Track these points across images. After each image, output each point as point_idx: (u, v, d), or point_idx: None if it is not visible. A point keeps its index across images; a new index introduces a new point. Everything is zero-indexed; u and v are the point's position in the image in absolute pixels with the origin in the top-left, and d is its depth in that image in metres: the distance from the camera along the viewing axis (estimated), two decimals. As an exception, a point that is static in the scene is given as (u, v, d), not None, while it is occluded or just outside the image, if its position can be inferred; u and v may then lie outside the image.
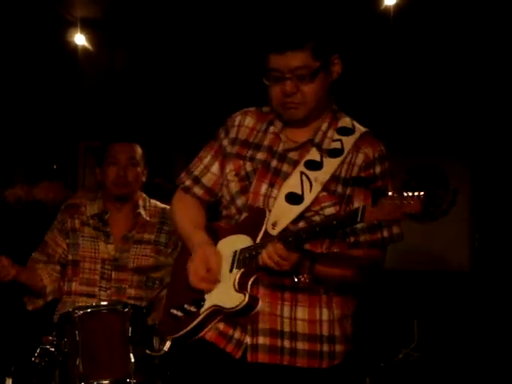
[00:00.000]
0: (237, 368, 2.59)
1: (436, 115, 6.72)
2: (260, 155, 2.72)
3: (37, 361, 3.35)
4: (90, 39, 6.33)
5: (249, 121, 2.80)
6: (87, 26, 6.22)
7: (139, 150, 3.97)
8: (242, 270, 2.54)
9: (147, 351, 3.16)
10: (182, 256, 2.84)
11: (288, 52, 2.56)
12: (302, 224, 2.57)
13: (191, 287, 2.65)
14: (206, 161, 2.85)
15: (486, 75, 6.32)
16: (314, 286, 2.58)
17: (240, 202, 2.70)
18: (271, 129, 2.75)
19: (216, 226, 2.80)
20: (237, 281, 2.53)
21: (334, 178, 2.61)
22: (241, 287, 2.51)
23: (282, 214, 2.57)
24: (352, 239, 2.64)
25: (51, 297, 3.87)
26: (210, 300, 2.60)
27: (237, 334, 2.60)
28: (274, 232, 2.54)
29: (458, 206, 6.85)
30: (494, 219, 6.82)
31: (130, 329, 3.32)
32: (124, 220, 3.95)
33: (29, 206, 5.60)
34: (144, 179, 4.00)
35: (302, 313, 2.61)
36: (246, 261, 2.54)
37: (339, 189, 2.61)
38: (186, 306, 2.65)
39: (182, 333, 2.64)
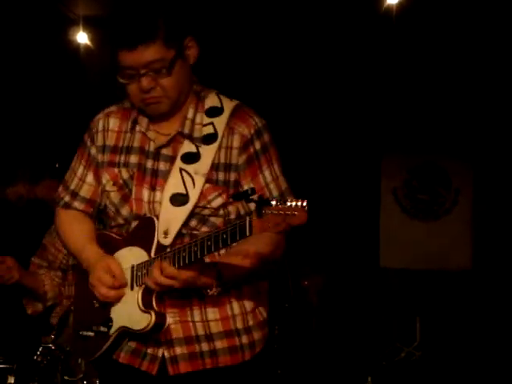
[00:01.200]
0: None
1: (439, 115, 6.72)
2: (133, 158, 2.57)
3: (39, 359, 3.36)
4: (92, 37, 6.32)
5: (113, 123, 2.66)
6: (89, 24, 6.21)
7: None
8: (143, 287, 2.42)
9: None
10: (80, 277, 2.71)
11: (139, 47, 2.40)
12: (194, 222, 2.46)
13: (95, 305, 2.56)
14: (79, 172, 2.71)
15: (489, 76, 6.31)
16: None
17: (125, 211, 2.57)
18: (137, 128, 2.60)
19: (108, 236, 2.65)
20: (140, 300, 2.41)
21: (214, 166, 2.48)
22: (146, 306, 2.41)
23: (171, 220, 2.45)
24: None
25: (51, 302, 3.86)
26: (118, 321, 2.49)
27: (150, 350, 2.49)
28: (167, 241, 2.43)
29: (461, 206, 6.89)
30: (496, 218, 6.82)
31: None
32: None
33: (30, 205, 5.59)
34: None
35: (212, 314, 2.51)
36: (143, 277, 2.41)
37: (221, 176, 2.48)
38: (94, 327, 2.55)
39: (96, 355, 2.54)
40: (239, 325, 2.53)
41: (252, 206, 2.26)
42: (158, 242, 2.44)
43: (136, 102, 2.56)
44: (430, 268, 6.80)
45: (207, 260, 2.41)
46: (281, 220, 2.05)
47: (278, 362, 5.02)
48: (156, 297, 2.42)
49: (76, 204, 2.70)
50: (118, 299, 2.48)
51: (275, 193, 2.52)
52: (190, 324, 2.49)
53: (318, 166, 6.70)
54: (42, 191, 5.82)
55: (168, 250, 2.38)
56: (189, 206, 2.45)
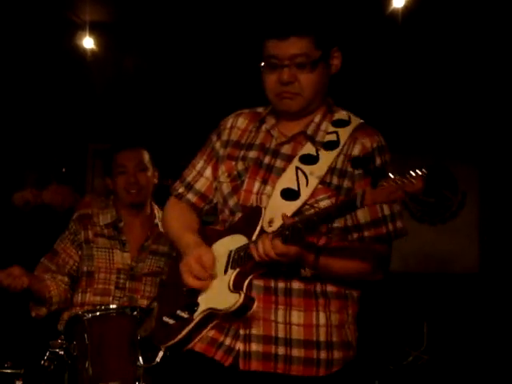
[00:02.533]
0: (228, 376, 2.48)
1: (445, 118, 6.71)
2: (252, 154, 2.61)
3: (46, 364, 3.35)
4: (98, 42, 6.34)
5: (241, 122, 2.70)
6: (96, 30, 6.23)
7: (146, 155, 3.96)
8: (238, 269, 2.43)
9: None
10: (172, 264, 2.76)
11: (290, 38, 2.44)
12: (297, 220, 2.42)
13: (183, 292, 2.57)
14: (199, 166, 2.76)
15: (495, 79, 6.31)
16: (310, 288, 2.48)
17: (232, 202, 2.59)
18: (263, 127, 2.65)
19: (210, 229, 2.71)
20: (232, 281, 2.42)
21: (330, 169, 2.50)
22: (236, 287, 2.40)
23: (278, 211, 2.43)
24: (355, 235, 2.53)
25: (56, 306, 3.86)
26: (204, 303, 2.49)
27: (227, 341, 2.49)
28: (271, 229, 2.42)
29: (467, 209, 6.90)
30: (503, 221, 6.81)
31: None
32: (139, 228, 3.95)
33: (37, 210, 5.60)
34: (156, 181, 4.00)
35: (297, 317, 2.48)
36: (241, 260, 2.42)
37: (334, 180, 2.50)
38: (178, 312, 2.56)
39: (175, 340, 2.54)
40: (322, 337, 2.50)
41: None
42: (262, 228, 2.45)
43: (270, 94, 2.57)
44: (437, 271, 6.80)
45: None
46: (396, 188, 2.10)
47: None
48: (248, 282, 2.43)
49: (189, 196, 2.75)
50: (203, 289, 2.49)
51: (386, 210, 2.53)
52: (272, 324, 2.48)
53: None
54: (49, 196, 5.83)
55: None
56: (298, 202, 2.46)
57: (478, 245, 6.97)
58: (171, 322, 2.57)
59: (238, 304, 2.36)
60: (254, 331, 2.47)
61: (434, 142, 6.86)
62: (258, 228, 2.45)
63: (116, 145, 4.04)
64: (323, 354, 2.49)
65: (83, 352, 3.29)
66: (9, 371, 3.48)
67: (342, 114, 2.63)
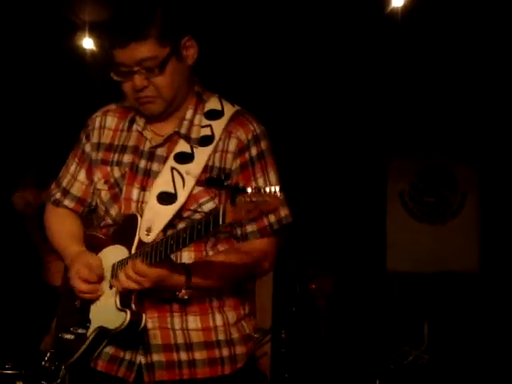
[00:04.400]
0: None
1: (446, 118, 6.71)
2: (126, 158, 2.52)
3: (47, 365, 3.35)
4: (98, 43, 6.33)
5: (110, 121, 2.61)
6: (95, 30, 6.22)
7: None
8: None
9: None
10: (64, 277, 2.66)
11: (130, 44, 2.34)
12: (181, 225, 2.37)
13: (75, 306, 2.51)
14: (72, 169, 2.67)
15: (495, 80, 6.30)
16: (202, 295, 2.43)
17: (113, 211, 2.51)
18: (134, 127, 2.55)
19: (94, 237, 2.60)
20: (117, 298, 2.35)
21: (208, 169, 2.43)
22: (123, 305, 2.34)
23: (155, 218, 2.38)
24: (239, 231, 2.48)
25: None
26: (95, 321, 2.43)
27: (128, 355, 2.44)
28: (149, 238, 2.36)
29: (467, 209, 6.89)
30: (503, 221, 6.81)
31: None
32: None
33: (38, 210, 5.58)
34: None
35: (193, 322, 2.44)
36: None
37: None
38: (72, 328, 2.49)
39: (73, 358, 2.48)
40: (221, 336, 2.47)
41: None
42: (140, 238, 2.38)
43: (131, 101, 2.51)
44: (437, 271, 6.79)
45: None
46: (252, 207, 2.00)
47: (286, 365, 5.01)
48: (135, 297, 2.36)
49: (66, 202, 2.67)
50: (95, 296, 2.43)
51: None
52: (170, 331, 2.43)
53: (325, 170, 6.70)
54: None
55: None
56: (176, 206, 2.39)
57: (478, 244, 6.96)
58: (68, 337, 2.51)
59: (126, 322, 2.31)
60: (152, 341, 2.42)
61: (435, 142, 6.86)
62: (136, 238, 2.38)
63: None
64: (225, 352, 2.46)
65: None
66: (9, 372, 3.48)
67: (214, 103, 2.54)
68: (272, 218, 2.47)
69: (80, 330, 2.46)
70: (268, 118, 2.66)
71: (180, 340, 2.43)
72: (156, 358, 2.41)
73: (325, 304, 6.00)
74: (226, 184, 2.24)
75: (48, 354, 3.36)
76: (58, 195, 2.69)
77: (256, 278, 2.59)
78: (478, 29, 5.76)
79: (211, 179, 2.38)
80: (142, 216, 2.40)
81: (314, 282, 5.80)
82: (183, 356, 2.42)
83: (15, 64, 6.18)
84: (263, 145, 2.50)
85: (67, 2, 5.87)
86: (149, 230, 2.38)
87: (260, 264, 2.51)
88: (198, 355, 2.43)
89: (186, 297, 2.34)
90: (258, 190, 2.01)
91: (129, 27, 2.36)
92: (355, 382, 5.69)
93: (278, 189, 1.99)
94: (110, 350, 2.46)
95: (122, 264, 2.37)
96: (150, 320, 2.40)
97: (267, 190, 2.00)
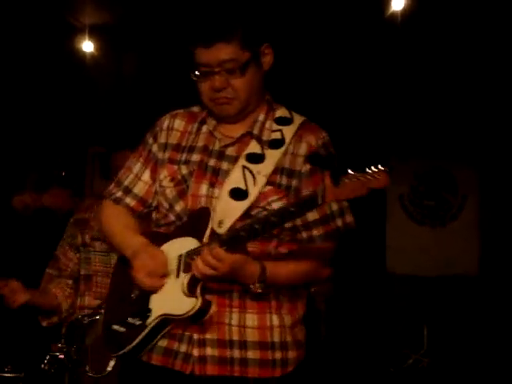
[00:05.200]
0: None
1: (445, 121, 6.72)
2: (195, 157, 2.55)
3: (46, 368, 3.36)
4: (98, 46, 6.34)
5: (178, 123, 2.65)
6: (96, 33, 6.23)
7: None
8: (191, 273, 2.36)
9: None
10: (118, 270, 2.68)
11: (215, 45, 2.41)
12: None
13: (132, 298, 2.51)
14: (136, 169, 2.67)
15: (495, 82, 6.31)
16: (268, 291, 2.45)
17: (179, 207, 2.52)
18: (204, 128, 2.60)
19: (155, 233, 2.61)
20: (186, 285, 2.35)
21: (278, 170, 2.46)
22: (190, 291, 2.35)
23: (227, 212, 2.40)
24: (305, 235, 2.50)
25: (66, 313, 3.87)
26: (157, 309, 2.42)
27: (183, 348, 2.44)
28: (221, 230, 2.37)
29: (467, 211, 6.88)
30: (503, 224, 6.81)
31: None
32: None
33: (37, 214, 5.60)
34: None
35: (251, 320, 2.46)
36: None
37: (284, 181, 2.46)
38: (129, 319, 2.47)
39: (127, 349, 2.46)
40: (276, 338, 2.49)
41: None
42: (212, 229, 2.39)
43: (206, 101, 2.55)
44: (437, 274, 6.80)
45: None
46: (360, 185, 2.07)
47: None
48: (201, 286, 2.36)
49: (128, 200, 2.66)
50: (159, 288, 2.44)
51: (334, 206, 2.51)
52: (227, 327, 2.44)
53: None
54: (49, 200, 5.83)
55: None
56: (247, 202, 2.41)
57: (478, 247, 6.97)
58: (122, 329, 2.49)
59: (196, 308, 2.32)
60: (208, 335, 2.43)
61: (435, 145, 6.86)
62: (208, 229, 2.40)
63: (113, 147, 4.06)
64: (278, 355, 2.48)
65: (83, 356, 3.30)
66: (9, 375, 3.48)
67: (283, 111, 2.60)
68: (339, 222, 2.53)
69: (137, 321, 2.44)
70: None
71: (235, 337, 2.45)
72: (209, 352, 2.43)
73: (325, 307, 6.00)
74: (328, 163, 2.27)
75: (48, 357, 3.38)
76: (120, 194, 2.68)
77: (315, 283, 2.67)
78: (477, 31, 5.77)
79: (315, 155, 2.44)
80: (214, 209, 2.43)
81: (313, 286, 5.81)
82: (236, 353, 2.44)
83: (17, 67, 6.19)
84: (333, 151, 2.55)
85: (68, 6, 5.88)
86: (221, 223, 2.39)
87: (321, 268, 2.58)
88: (251, 354, 2.45)
89: (260, 290, 2.38)
90: (362, 170, 2.06)
91: (215, 28, 2.43)
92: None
93: (386, 167, 2.06)
94: (163, 343, 2.46)
95: (193, 253, 2.38)
96: (208, 338, 2.42)
97: (373, 169, 2.06)
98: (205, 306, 2.33)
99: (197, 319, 2.36)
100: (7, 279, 3.62)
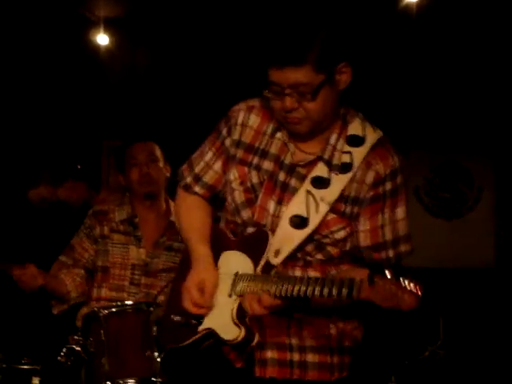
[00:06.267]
0: (242, 381, 2.49)
1: (461, 113, 6.68)
2: (267, 165, 2.54)
3: (63, 360, 3.37)
4: (112, 39, 6.35)
5: (253, 120, 2.60)
6: (110, 26, 6.24)
7: (157, 148, 4.02)
8: (240, 298, 2.41)
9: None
10: (187, 260, 2.72)
11: (286, 67, 2.35)
12: (310, 248, 2.45)
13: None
14: (208, 158, 2.70)
15: (510, 73, 6.27)
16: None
17: (245, 214, 2.55)
18: (278, 135, 2.56)
19: (222, 232, 2.66)
20: (235, 311, 2.40)
21: (343, 197, 2.46)
22: (239, 318, 2.39)
23: (285, 241, 2.43)
24: (358, 255, 2.54)
25: (74, 301, 3.90)
26: (208, 321, 2.47)
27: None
28: (277, 261, 2.41)
29: (483, 203, 6.85)
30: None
31: (155, 327, 3.30)
32: (154, 224, 3.98)
33: (53, 207, 5.62)
34: (168, 175, 4.02)
35: (309, 331, 2.51)
36: (244, 288, 2.40)
37: (348, 209, 2.46)
38: (188, 316, 2.53)
39: (182, 345, 2.52)
40: (334, 343, 2.53)
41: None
42: (268, 259, 2.42)
43: (278, 118, 2.52)
44: (453, 266, 6.77)
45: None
46: (390, 297, 2.09)
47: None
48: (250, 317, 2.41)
49: (197, 188, 2.71)
50: (201, 314, 2.48)
51: (388, 236, 2.51)
52: (285, 331, 2.49)
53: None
54: (64, 193, 5.85)
55: (274, 271, 2.40)
56: (307, 231, 2.42)
57: (493, 239, 6.94)
58: (181, 320, 2.54)
59: (240, 339, 2.35)
60: (268, 339, 2.48)
61: (449, 137, 6.83)
62: (264, 258, 2.42)
63: (127, 140, 4.09)
64: (336, 359, 2.53)
65: (100, 348, 3.31)
66: (26, 367, 3.50)
67: (356, 127, 2.54)
68: (391, 253, 2.55)
69: (193, 321, 2.49)
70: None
71: (294, 341, 2.49)
72: (270, 354, 2.47)
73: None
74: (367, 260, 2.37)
75: (64, 350, 3.38)
76: (189, 180, 2.73)
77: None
78: (491, 23, 5.74)
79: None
80: (273, 233, 2.45)
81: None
82: (295, 356, 2.48)
83: (32, 61, 6.20)
84: (399, 180, 2.51)
85: (82, -1, 5.88)
86: (277, 252, 2.42)
87: None
88: (311, 358, 2.49)
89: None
90: (397, 279, 2.06)
91: (288, 51, 2.36)
92: (370, 378, 5.69)
93: (419, 288, 2.08)
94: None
95: (245, 278, 2.41)
96: (268, 341, 2.48)
97: (407, 283, 2.06)
98: (248, 337, 2.37)
99: (241, 347, 2.40)
100: (24, 265, 3.65)
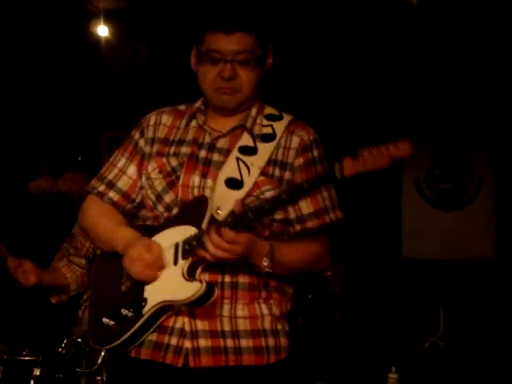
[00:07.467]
0: (180, 378, 2.41)
1: (461, 105, 6.68)
2: (185, 149, 2.54)
3: (64, 351, 3.37)
4: (112, 30, 6.34)
5: (166, 119, 2.62)
6: (110, 17, 6.23)
7: None
8: (190, 259, 2.36)
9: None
10: (102, 263, 2.65)
11: (236, 33, 2.40)
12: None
13: (122, 290, 2.48)
14: (121, 164, 2.63)
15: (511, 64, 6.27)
16: (254, 282, 2.46)
17: (168, 198, 2.51)
18: (193, 123, 2.59)
19: (142, 226, 2.58)
20: (185, 271, 2.34)
21: (271, 161, 2.49)
22: (191, 276, 2.33)
23: (224, 200, 2.39)
24: (298, 227, 2.52)
25: (74, 293, 3.89)
26: (155, 297, 2.39)
27: (174, 341, 2.41)
28: (220, 216, 2.35)
29: (484, 194, 6.87)
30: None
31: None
32: None
33: (53, 198, 5.62)
34: None
35: (241, 311, 2.45)
36: (193, 250, 2.34)
37: (276, 172, 2.48)
38: (122, 310, 2.43)
39: (119, 341, 2.42)
40: (267, 325, 2.49)
41: None
42: (212, 215, 2.38)
43: (208, 88, 2.53)
44: (453, 257, 6.78)
45: None
46: (381, 155, 2.09)
47: (302, 352, 5.02)
48: (200, 272, 2.36)
49: (111, 194, 2.62)
50: (154, 279, 2.41)
51: (327, 202, 2.54)
52: (218, 318, 2.43)
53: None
54: (65, 185, 5.84)
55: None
56: (243, 191, 2.43)
57: (494, 230, 6.95)
58: (112, 322, 2.45)
59: (201, 291, 2.29)
60: (200, 327, 2.41)
61: (450, 128, 6.83)
62: (207, 216, 2.37)
63: (127, 131, 4.07)
64: (271, 342, 2.48)
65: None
66: (27, 358, 3.50)
67: (271, 109, 2.62)
68: (333, 216, 2.55)
69: (131, 312, 2.42)
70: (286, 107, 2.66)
71: (227, 327, 2.44)
72: (203, 343, 2.41)
73: (340, 291, 6.00)
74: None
75: (65, 341, 3.39)
76: (102, 188, 2.63)
77: (313, 270, 2.67)
78: (493, 16, 5.74)
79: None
80: (211, 198, 2.42)
81: (329, 269, 5.81)
82: (229, 343, 2.43)
83: (32, 52, 6.19)
84: (322, 150, 2.57)
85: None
86: (219, 209, 2.38)
87: (324, 255, 2.60)
88: (245, 343, 2.44)
89: (268, 269, 2.39)
90: (381, 144, 2.08)
91: (241, 17, 2.43)
92: (371, 369, 5.70)
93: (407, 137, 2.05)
94: (152, 337, 2.44)
95: (192, 239, 2.36)
96: (200, 329, 2.42)
97: (393, 141, 2.08)
98: (209, 290, 2.31)
99: (199, 304, 2.33)
100: (21, 260, 3.64)
